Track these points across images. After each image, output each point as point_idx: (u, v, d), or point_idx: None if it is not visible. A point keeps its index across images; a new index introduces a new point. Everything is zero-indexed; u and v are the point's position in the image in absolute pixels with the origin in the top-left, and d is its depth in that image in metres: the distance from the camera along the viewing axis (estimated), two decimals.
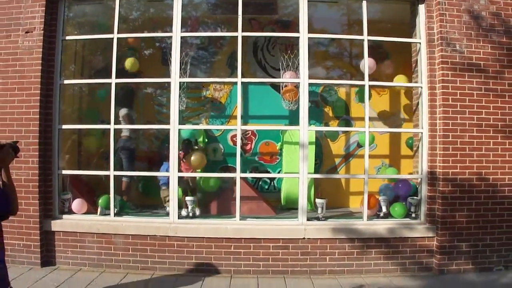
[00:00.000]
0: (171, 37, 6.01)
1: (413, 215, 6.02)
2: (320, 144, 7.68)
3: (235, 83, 6.24)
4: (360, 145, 7.58)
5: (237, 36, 5.97)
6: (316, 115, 7.77)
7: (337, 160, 7.81)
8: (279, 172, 7.72)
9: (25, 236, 5.89)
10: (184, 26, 6.97)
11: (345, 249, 5.71)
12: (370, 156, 7.35)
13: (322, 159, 7.74)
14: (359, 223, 5.84)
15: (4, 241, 5.85)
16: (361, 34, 5.98)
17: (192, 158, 6.68)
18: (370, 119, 7.38)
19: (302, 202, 5.76)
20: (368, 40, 5.96)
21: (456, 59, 5.65)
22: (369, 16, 6.08)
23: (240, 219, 5.84)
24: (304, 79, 5.84)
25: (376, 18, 7.01)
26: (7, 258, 5.72)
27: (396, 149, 7.11)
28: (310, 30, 5.99)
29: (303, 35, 5.83)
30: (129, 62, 7.09)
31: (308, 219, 5.81)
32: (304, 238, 5.66)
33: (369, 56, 6.04)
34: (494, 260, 5.74)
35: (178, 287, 5.24)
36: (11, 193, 3.41)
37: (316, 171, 7.43)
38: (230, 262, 5.72)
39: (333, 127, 7.91)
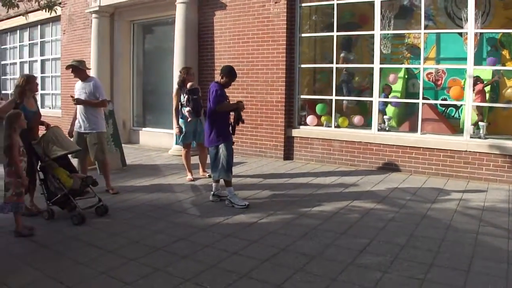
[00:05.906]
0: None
1: None
2: (498, 81, 8.73)
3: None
4: None
5: None
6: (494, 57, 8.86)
7: None
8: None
9: (274, 139, 9.26)
10: None
11: (498, 163, 7.22)
12: None
13: (499, 94, 8.88)
14: None
15: (260, 142, 9.42)
16: None
17: None
18: None
19: (467, 124, 7.59)
20: None
21: None
22: None
23: (420, 134, 8.06)
24: (471, 29, 7.47)
25: None
26: (262, 153, 9.41)
27: None
28: None
29: None
30: None
31: (471, 137, 7.56)
32: (466, 151, 7.47)
33: None
34: None
35: (371, 175, 7.82)
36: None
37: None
38: (411, 164, 7.98)
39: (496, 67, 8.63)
